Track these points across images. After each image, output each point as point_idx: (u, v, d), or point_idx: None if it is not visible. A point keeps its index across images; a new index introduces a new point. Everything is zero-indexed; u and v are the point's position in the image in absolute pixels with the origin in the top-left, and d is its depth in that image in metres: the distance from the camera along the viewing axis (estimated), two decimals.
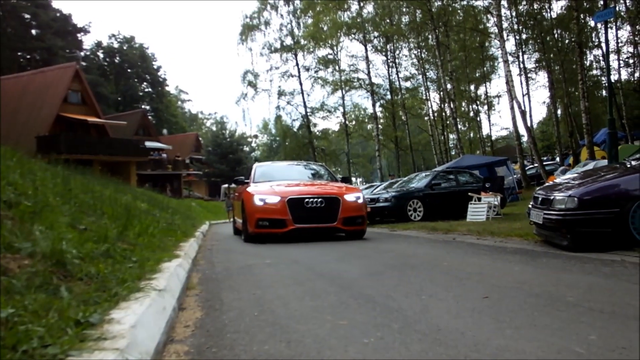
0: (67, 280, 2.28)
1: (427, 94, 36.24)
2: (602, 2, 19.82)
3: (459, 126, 32.36)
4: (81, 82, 29.98)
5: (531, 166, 28.48)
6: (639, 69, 32.39)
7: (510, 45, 32.76)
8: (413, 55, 36.10)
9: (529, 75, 34.79)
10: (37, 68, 34.67)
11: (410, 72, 37.79)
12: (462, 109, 39.65)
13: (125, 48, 59.37)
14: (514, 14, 31.48)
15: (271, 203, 7.50)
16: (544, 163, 25.61)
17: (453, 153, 33.75)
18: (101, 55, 58.89)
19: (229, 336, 2.22)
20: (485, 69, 38.60)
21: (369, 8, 33.21)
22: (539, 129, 54.20)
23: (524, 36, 32.81)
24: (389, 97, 35.81)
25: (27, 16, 44.03)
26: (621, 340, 1.93)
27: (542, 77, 36.38)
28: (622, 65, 34.22)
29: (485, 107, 42.58)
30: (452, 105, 27.04)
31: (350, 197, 7.80)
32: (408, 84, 38.09)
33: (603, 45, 21.15)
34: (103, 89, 49.62)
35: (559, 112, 33.55)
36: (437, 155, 33.46)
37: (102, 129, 31.44)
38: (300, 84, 36.13)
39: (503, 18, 26.41)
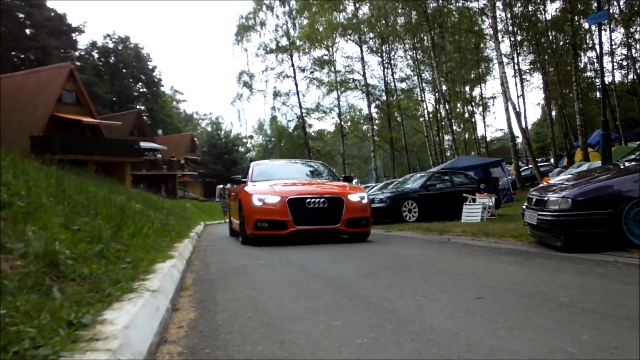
0: (59, 281, 2.27)
1: (423, 95, 36.41)
2: (596, 5, 19.94)
3: (454, 127, 32.43)
4: (76, 82, 29.86)
5: (526, 167, 28.59)
6: (632, 71, 32.55)
7: (505, 46, 33.03)
8: (408, 57, 36.27)
9: (523, 76, 34.98)
10: (32, 68, 34.50)
11: (406, 73, 37.97)
12: (457, 110, 39.82)
13: (120, 48, 59.20)
14: (508, 15, 31.61)
15: (270, 203, 7.13)
16: (539, 164, 25.71)
17: (448, 154, 33.79)
18: (96, 55, 58.69)
19: (223, 337, 2.21)
20: (480, 70, 38.76)
21: (365, 9, 33.35)
22: (533, 130, 54.37)
23: (518, 38, 32.99)
24: (384, 98, 35.93)
25: (21, 15, 43.86)
26: (613, 341, 1.94)
27: (536, 79, 36.66)
28: (615, 67, 34.48)
29: (480, 108, 42.79)
30: (447, 107, 27.12)
31: (354, 197, 7.43)
32: (403, 85, 38.24)
33: (597, 47, 21.25)
34: (98, 89, 49.45)
35: (553, 113, 33.75)
36: (432, 156, 33.55)
37: (97, 129, 31.33)
38: (296, 84, 36.24)
39: (498, 20, 26.52)
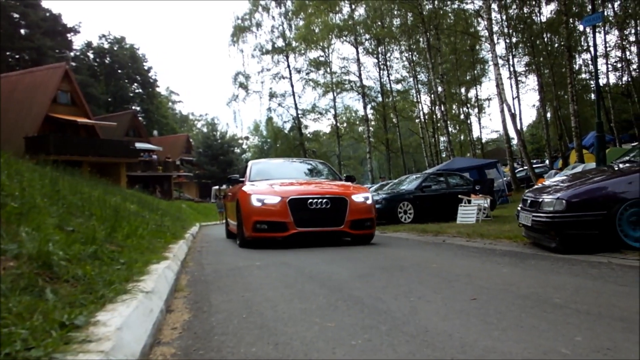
0: (53, 282, 2.26)
1: (418, 96, 36.50)
2: (590, 7, 20.04)
3: (450, 129, 32.54)
4: (71, 82, 29.75)
5: (521, 169, 28.68)
6: (626, 73, 32.75)
7: (501, 48, 33.03)
8: (404, 58, 36.39)
9: (519, 78, 35.16)
10: (26, 68, 34.36)
11: (402, 74, 38.11)
12: (453, 111, 39.93)
13: (115, 48, 58.99)
14: (504, 17, 31.76)
15: (270, 204, 6.76)
16: (534, 166, 25.79)
17: (444, 155, 33.87)
18: (91, 56, 58.46)
19: (217, 338, 2.21)
20: (475, 72, 38.90)
21: (361, 10, 33.45)
22: (528, 132, 54.70)
23: (514, 40, 33.11)
24: (380, 99, 36.01)
25: (16, 16, 43.63)
26: (606, 342, 1.95)
27: (531, 81, 36.94)
28: (610, 69, 34.71)
29: (476, 109, 42.97)
30: (442, 108, 27.19)
31: (358, 198, 7.09)
32: (399, 87, 38.38)
33: (592, 49, 21.36)
34: (93, 89, 49.25)
35: (548, 115, 33.86)
36: (427, 157, 33.62)
37: (92, 130, 31.22)
38: (292, 85, 36.27)
39: (493, 22, 26.64)
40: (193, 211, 29.09)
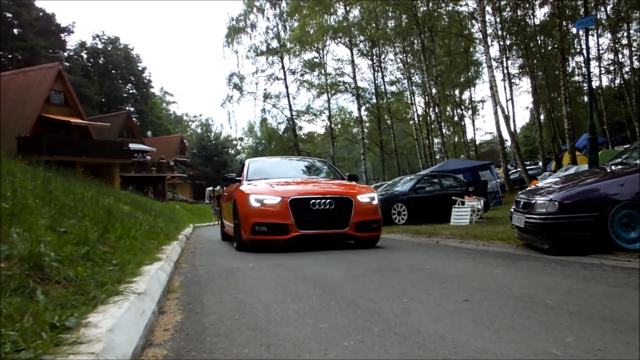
0: (44, 283, 2.25)
1: (412, 98, 36.60)
2: (583, 10, 20.17)
3: (444, 130, 32.68)
4: (64, 82, 29.62)
5: (514, 170, 28.82)
6: (619, 76, 32.97)
7: (494, 50, 33.26)
8: (398, 60, 36.47)
9: (512, 80, 35.38)
10: (19, 68, 34.18)
11: (396, 76, 38.18)
12: (447, 113, 40.13)
13: (109, 49, 58.79)
14: (498, 20, 31.92)
15: (270, 204, 6.35)
16: (527, 167, 25.92)
17: (437, 157, 34.03)
18: (85, 56, 58.23)
19: (209, 340, 2.20)
20: (469, 74, 39.08)
21: (355, 12, 33.47)
22: (522, 133, 55.01)
23: (507, 42, 33.32)
24: (374, 101, 36.06)
25: (9, 15, 43.39)
26: (597, 342, 1.96)
27: (525, 83, 37.00)
28: (603, 72, 34.92)
29: (470, 111, 43.12)
30: (436, 110, 27.28)
31: (363, 198, 6.67)
32: (393, 88, 38.44)
33: (584, 52, 21.52)
34: (87, 89, 49.04)
35: (541, 117, 34.09)
36: (421, 159, 33.73)
37: (85, 131, 31.08)
38: (286, 87, 36.26)
39: (487, 24, 26.76)
40: (187, 212, 29.02)
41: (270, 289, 3.50)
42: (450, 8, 30.54)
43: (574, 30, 27.59)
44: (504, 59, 33.84)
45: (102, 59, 58.59)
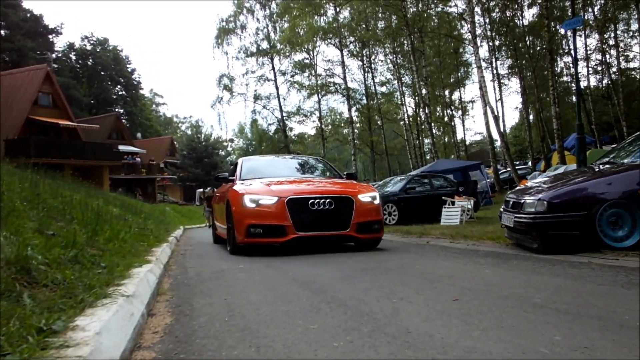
0: (31, 287, 2.23)
1: (403, 98, 36.70)
2: (571, 11, 20.35)
3: (434, 131, 32.81)
4: (52, 84, 29.39)
5: (504, 170, 28.98)
6: (607, 76, 33.30)
7: (484, 51, 33.46)
8: (388, 61, 36.59)
9: (501, 81, 35.63)
10: (7, 70, 33.84)
11: (386, 77, 38.35)
12: (437, 113, 40.27)
13: (98, 50, 58.36)
14: (487, 21, 32.13)
15: (266, 205, 6.00)
16: (517, 167, 26.09)
17: (428, 157, 34.10)
18: (73, 57, 57.76)
19: (198, 342, 2.19)
20: (459, 74, 39.27)
21: (345, 13, 33.53)
22: (511, 133, 55.32)
23: (497, 43, 33.53)
24: (364, 101, 36.15)
25: None
26: (584, 341, 1.98)
27: (514, 83, 37.40)
28: (590, 72, 35.25)
29: (460, 112, 43.32)
30: (427, 110, 27.38)
31: (365, 198, 6.36)
32: (384, 89, 38.59)
33: (572, 52, 21.71)
34: (75, 91, 48.70)
35: (531, 117, 34.31)
36: (412, 159, 33.82)
37: (74, 133, 30.85)
38: (277, 88, 36.26)
39: (477, 25, 26.95)
40: (177, 214, 28.88)
41: (260, 291, 3.49)
42: (439, 9, 30.71)
43: (562, 31, 27.81)
44: (493, 60, 34.10)
45: (91, 60, 58.15)
